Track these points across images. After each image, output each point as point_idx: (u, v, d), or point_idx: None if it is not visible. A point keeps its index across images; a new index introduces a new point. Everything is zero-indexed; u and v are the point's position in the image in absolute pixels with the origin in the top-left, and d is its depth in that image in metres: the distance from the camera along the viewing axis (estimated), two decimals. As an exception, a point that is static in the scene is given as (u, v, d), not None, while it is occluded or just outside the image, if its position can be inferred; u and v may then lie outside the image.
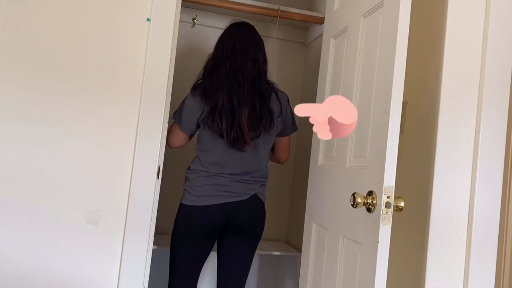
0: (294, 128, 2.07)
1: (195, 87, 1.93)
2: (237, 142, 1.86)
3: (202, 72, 1.96)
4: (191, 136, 2.02)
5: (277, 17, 2.51)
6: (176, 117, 1.94)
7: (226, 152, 1.90)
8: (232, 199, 1.91)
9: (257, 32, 2.02)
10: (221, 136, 1.87)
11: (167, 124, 1.76)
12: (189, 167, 1.97)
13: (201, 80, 1.94)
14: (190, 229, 1.92)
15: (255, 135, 1.89)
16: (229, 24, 2.04)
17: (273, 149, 2.08)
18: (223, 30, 2.04)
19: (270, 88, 1.96)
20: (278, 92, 2.00)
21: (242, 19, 2.11)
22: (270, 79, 2.01)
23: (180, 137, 1.97)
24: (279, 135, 2.03)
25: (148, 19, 1.73)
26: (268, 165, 2.03)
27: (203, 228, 1.92)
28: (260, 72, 1.93)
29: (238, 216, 1.93)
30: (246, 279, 2.05)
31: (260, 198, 1.98)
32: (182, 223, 1.93)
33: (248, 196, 1.93)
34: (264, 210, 2.01)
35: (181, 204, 1.94)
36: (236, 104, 1.86)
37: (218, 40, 2.00)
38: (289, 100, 2.05)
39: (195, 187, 1.91)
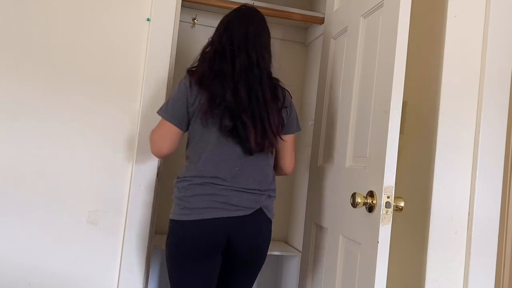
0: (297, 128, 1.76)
1: (190, 73, 1.56)
2: (259, 145, 1.54)
3: (198, 58, 1.59)
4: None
5: (277, 17, 2.51)
6: (163, 112, 1.55)
7: (225, 152, 1.54)
8: (232, 214, 1.51)
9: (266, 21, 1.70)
10: (236, 138, 1.53)
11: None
12: (178, 176, 1.60)
13: (196, 67, 1.58)
14: (185, 251, 1.52)
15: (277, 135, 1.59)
16: (236, 8, 1.65)
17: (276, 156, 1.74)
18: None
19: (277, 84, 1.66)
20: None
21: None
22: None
23: (175, 135, 1.55)
24: (283, 133, 1.67)
25: (148, 19, 1.73)
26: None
27: (202, 247, 1.52)
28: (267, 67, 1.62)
29: (240, 237, 1.54)
30: None
31: (266, 215, 1.58)
32: (175, 244, 1.54)
33: (253, 211, 1.54)
34: (271, 229, 1.63)
35: (170, 220, 1.56)
36: (255, 101, 1.54)
37: (224, 24, 1.62)
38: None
39: (186, 197, 1.52)
